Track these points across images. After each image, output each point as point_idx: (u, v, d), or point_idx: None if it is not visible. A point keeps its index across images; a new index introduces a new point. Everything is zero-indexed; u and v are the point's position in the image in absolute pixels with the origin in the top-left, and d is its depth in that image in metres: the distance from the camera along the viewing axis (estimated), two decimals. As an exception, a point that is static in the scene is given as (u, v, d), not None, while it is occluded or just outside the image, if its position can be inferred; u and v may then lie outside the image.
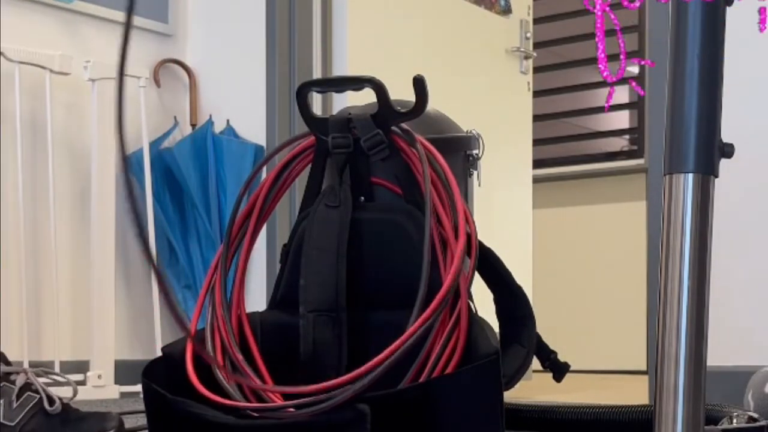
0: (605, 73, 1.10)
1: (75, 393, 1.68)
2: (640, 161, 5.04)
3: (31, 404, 1.56)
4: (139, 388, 3.09)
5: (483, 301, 1.51)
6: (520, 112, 4.00)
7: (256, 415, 1.31)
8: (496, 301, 1.57)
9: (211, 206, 3.42)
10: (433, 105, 1.56)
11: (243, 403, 1.35)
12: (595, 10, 1.07)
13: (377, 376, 1.26)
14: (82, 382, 3.06)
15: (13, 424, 1.54)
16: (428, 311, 1.32)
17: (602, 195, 5.32)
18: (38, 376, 1.62)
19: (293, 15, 3.46)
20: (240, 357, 1.43)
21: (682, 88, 1.07)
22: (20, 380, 1.58)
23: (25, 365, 2.99)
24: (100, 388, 3.10)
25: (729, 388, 2.04)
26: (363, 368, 1.27)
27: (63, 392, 1.66)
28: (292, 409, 1.28)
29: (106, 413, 1.58)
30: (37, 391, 1.58)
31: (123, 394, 3.18)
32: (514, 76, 3.96)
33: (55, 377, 1.73)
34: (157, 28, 3.58)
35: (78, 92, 3.28)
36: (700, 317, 1.05)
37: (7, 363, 1.64)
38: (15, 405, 1.55)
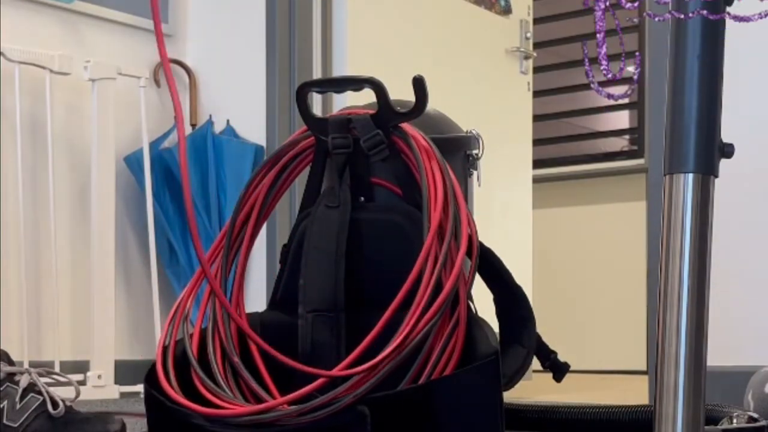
0: (604, 67, 1.10)
1: (77, 394, 1.68)
2: (640, 161, 5.04)
3: (35, 406, 1.56)
4: (138, 388, 3.10)
5: (483, 301, 1.51)
6: (520, 112, 4.00)
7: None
8: (496, 301, 1.57)
9: (211, 206, 3.42)
10: (433, 105, 1.56)
11: (242, 409, 1.35)
12: (596, 9, 1.07)
13: (378, 380, 1.27)
14: (82, 382, 3.06)
15: (16, 425, 1.54)
16: (430, 312, 1.32)
17: (602, 195, 5.32)
18: (41, 376, 1.62)
19: (293, 15, 3.46)
20: (237, 360, 1.43)
21: (682, 88, 1.07)
22: (24, 381, 1.58)
23: (26, 365, 2.99)
24: (100, 388, 3.10)
25: (729, 388, 2.04)
26: (364, 372, 1.28)
27: (65, 392, 1.66)
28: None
29: (108, 415, 1.58)
30: (40, 393, 1.57)
31: (123, 394, 3.18)
32: (514, 76, 3.96)
33: (56, 377, 1.72)
34: (157, 28, 3.57)
35: (78, 92, 3.28)
36: (700, 317, 1.05)
37: (11, 362, 1.64)
38: (18, 406, 1.55)
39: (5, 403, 1.55)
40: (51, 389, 1.61)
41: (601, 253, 5.30)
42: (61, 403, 1.56)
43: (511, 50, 3.94)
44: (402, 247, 1.47)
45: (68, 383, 1.71)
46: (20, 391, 1.57)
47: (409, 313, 1.32)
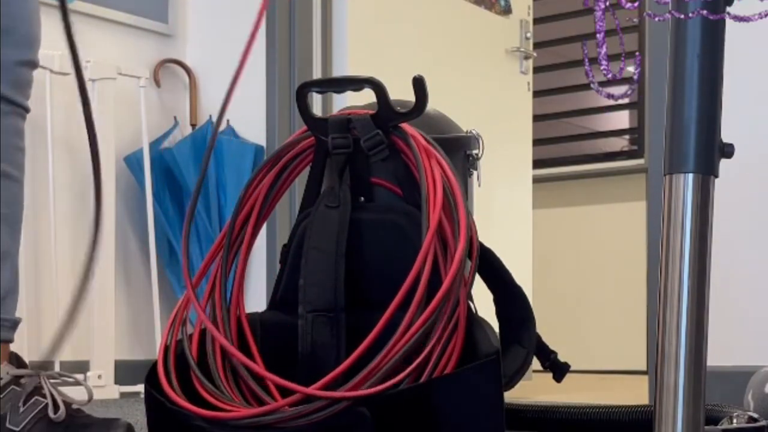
0: (604, 67, 1.10)
1: (90, 396, 1.67)
2: (640, 161, 5.04)
3: (37, 410, 1.54)
4: (138, 388, 3.10)
5: (483, 301, 1.51)
6: (520, 112, 4.00)
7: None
8: (496, 301, 1.57)
9: (211, 206, 3.42)
10: (433, 105, 1.55)
11: (243, 411, 1.35)
12: (596, 9, 1.07)
13: (378, 380, 1.27)
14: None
15: (18, 429, 1.53)
16: (427, 312, 1.32)
17: (602, 195, 5.32)
18: (51, 378, 1.61)
19: (293, 15, 3.46)
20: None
21: (682, 88, 1.07)
22: (30, 384, 1.57)
23: (25, 365, 2.99)
24: (100, 388, 3.10)
25: (729, 388, 2.04)
26: (365, 373, 1.28)
27: (78, 394, 1.64)
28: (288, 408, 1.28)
29: (113, 420, 1.55)
30: (45, 396, 1.56)
31: (123, 394, 3.18)
32: (514, 76, 3.97)
33: (65, 378, 1.71)
34: (157, 28, 3.58)
35: (78, 92, 3.27)
36: (700, 317, 1.05)
37: (22, 365, 1.62)
38: (21, 410, 1.54)
39: (8, 406, 1.54)
40: (63, 391, 1.59)
41: (601, 253, 5.30)
42: (62, 407, 1.54)
43: (511, 50, 3.94)
44: (402, 247, 1.47)
45: (76, 383, 1.69)
46: (25, 394, 1.56)
47: (407, 314, 1.32)
